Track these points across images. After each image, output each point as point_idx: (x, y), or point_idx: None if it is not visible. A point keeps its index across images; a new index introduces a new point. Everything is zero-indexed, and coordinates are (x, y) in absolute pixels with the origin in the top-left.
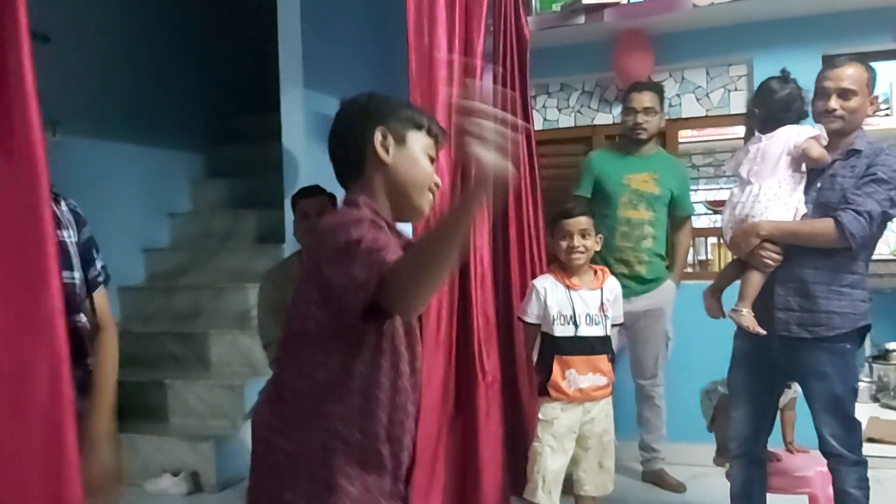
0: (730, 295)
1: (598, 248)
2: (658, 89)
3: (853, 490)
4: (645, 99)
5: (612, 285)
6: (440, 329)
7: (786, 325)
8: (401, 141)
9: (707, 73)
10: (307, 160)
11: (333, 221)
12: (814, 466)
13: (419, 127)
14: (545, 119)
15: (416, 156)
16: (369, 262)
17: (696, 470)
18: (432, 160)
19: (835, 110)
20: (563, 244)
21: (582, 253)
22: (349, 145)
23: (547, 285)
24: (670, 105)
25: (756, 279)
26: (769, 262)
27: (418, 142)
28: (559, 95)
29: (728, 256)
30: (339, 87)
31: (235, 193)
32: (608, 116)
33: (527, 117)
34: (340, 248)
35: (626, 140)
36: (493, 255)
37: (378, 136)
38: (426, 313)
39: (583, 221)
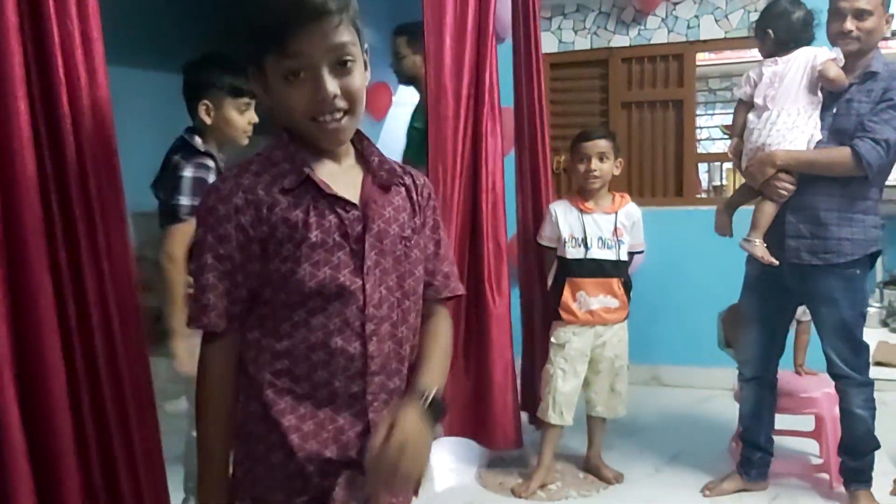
0: (740, 222)
1: (617, 172)
2: None
3: (859, 410)
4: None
5: (630, 210)
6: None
7: (797, 252)
8: (261, 76)
9: None
10: None
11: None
12: (821, 388)
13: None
14: (560, 41)
15: (277, 92)
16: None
17: (703, 392)
18: (296, 73)
19: (851, 31)
20: (581, 167)
21: (598, 177)
22: None
23: (560, 209)
24: (688, 26)
25: (769, 209)
26: (783, 192)
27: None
28: (575, 16)
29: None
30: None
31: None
32: (625, 38)
33: (536, 37)
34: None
35: None
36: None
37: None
38: None
39: (601, 144)
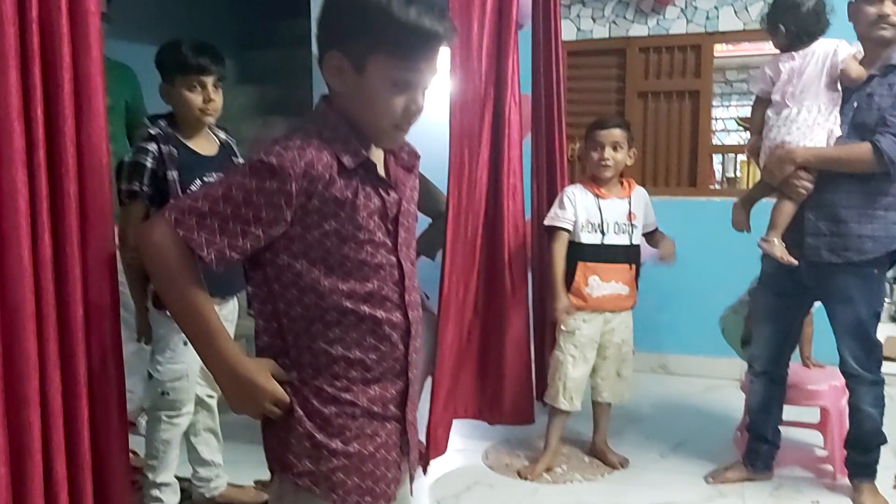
0: (756, 217)
1: (630, 163)
2: None
3: (869, 408)
4: None
5: (640, 194)
6: (472, 238)
7: (816, 250)
8: (359, 67)
9: None
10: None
11: (252, 160)
12: (827, 380)
13: (388, 49)
14: (578, 29)
15: (371, 90)
16: (195, 222)
17: (710, 382)
18: (407, 85)
19: (888, 16)
20: (595, 155)
21: (610, 166)
22: (318, 53)
23: (576, 192)
24: (707, 17)
25: (788, 208)
26: (802, 190)
27: (381, 70)
28: (594, 5)
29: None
30: None
31: (265, 100)
32: (644, 28)
33: (556, 25)
34: (218, 189)
35: None
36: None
37: (330, 62)
38: (463, 226)
39: (616, 133)
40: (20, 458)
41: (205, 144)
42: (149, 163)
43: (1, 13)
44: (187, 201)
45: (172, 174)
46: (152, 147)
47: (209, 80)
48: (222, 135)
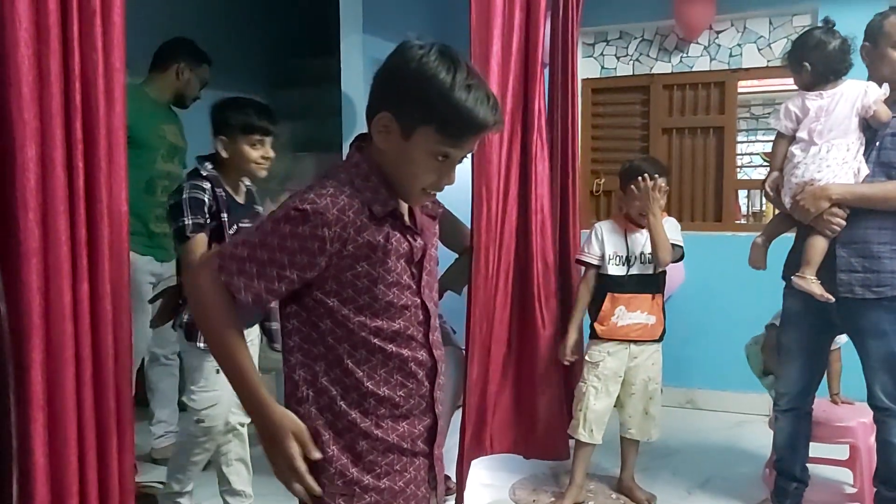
0: (773, 254)
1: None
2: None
3: None
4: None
5: (668, 224)
6: (504, 273)
7: (849, 286)
8: (407, 133)
9: (770, 23)
10: (365, 105)
11: (287, 207)
12: (856, 417)
13: (438, 126)
14: (603, 67)
15: (412, 156)
16: (235, 268)
17: (738, 417)
18: (446, 156)
19: None
20: (637, 203)
21: None
22: (369, 105)
23: (604, 227)
24: (730, 55)
25: (822, 244)
26: (836, 227)
27: (426, 141)
28: (618, 43)
29: None
30: (398, 33)
31: (295, 136)
32: (667, 65)
33: (573, 64)
34: (255, 234)
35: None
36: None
37: (380, 121)
38: (484, 261)
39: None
40: (61, 499)
41: (238, 192)
42: (206, 198)
43: (49, 70)
44: (229, 248)
45: (223, 215)
46: (206, 185)
47: (268, 140)
48: (248, 182)
